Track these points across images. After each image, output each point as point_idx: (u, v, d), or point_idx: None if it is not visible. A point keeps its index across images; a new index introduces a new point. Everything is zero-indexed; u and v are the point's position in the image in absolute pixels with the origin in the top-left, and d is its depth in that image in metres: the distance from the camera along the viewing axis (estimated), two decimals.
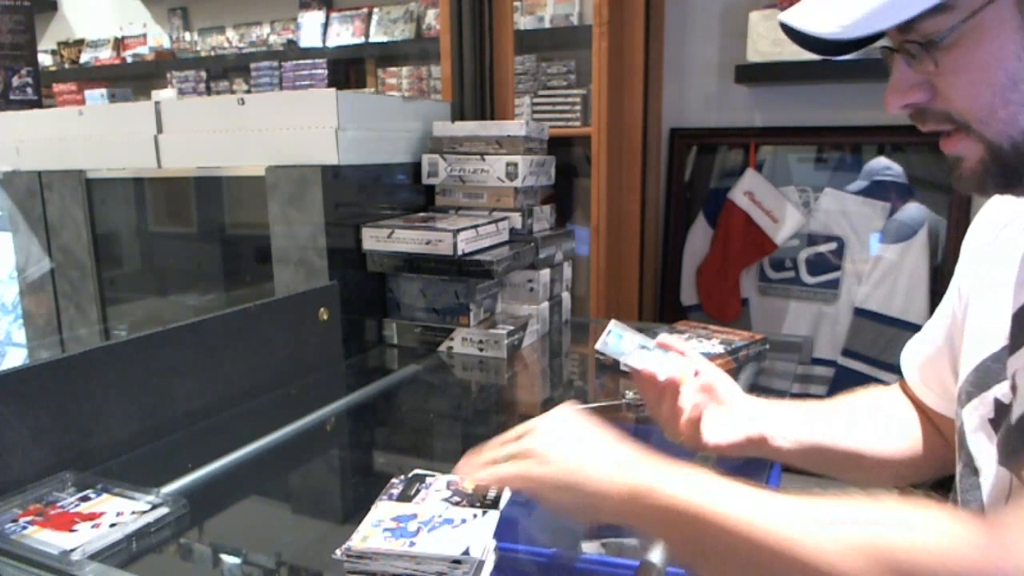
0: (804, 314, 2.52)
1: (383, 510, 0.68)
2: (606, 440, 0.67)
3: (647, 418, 0.86)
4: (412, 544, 0.62)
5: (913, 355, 0.89)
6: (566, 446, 0.66)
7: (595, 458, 0.64)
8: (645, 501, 0.59)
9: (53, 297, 1.65)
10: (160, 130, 1.45)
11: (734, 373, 1.20)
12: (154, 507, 0.76)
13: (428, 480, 0.74)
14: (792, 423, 0.82)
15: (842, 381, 2.49)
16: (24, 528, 0.71)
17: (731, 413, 0.81)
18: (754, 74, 2.42)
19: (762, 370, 1.27)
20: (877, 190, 2.41)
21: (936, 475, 0.83)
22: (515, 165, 1.44)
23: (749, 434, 0.80)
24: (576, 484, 0.63)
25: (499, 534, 0.66)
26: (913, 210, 2.38)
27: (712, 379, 0.82)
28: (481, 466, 0.70)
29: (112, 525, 0.72)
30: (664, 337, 0.86)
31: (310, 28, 3.46)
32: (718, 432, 0.79)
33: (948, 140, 0.61)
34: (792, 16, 0.60)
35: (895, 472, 0.85)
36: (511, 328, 1.36)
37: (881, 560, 0.49)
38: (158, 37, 3.95)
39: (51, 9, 4.20)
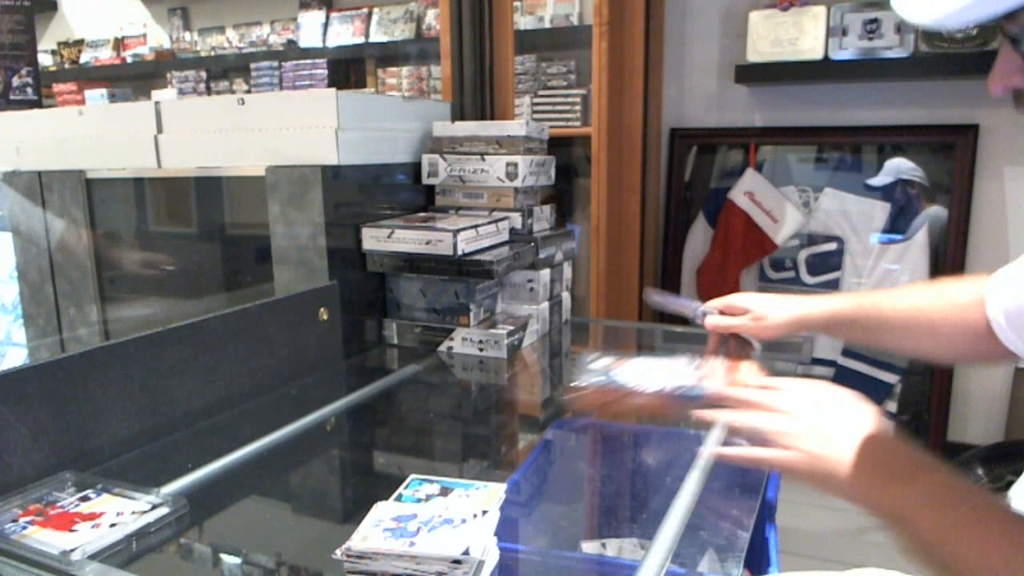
0: None
1: (383, 510, 0.68)
2: (860, 435, 0.67)
3: (650, 418, 0.89)
4: (412, 544, 0.62)
5: (1004, 292, 0.87)
6: (820, 440, 0.68)
7: (848, 466, 0.66)
8: (896, 529, 0.62)
9: (53, 297, 1.65)
10: (160, 130, 1.45)
11: None
12: (154, 507, 0.76)
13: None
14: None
15: (842, 381, 2.49)
16: (24, 528, 0.71)
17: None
18: (754, 74, 2.42)
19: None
20: (897, 189, 2.41)
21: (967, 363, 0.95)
22: (515, 165, 1.44)
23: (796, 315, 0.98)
24: (828, 488, 0.67)
25: (499, 534, 0.66)
26: (917, 209, 2.38)
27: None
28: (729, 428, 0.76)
29: (112, 525, 0.72)
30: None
31: (310, 28, 3.46)
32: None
33: None
34: (899, 2, 0.58)
35: (948, 344, 0.91)
36: (511, 328, 1.36)
37: None
38: (158, 37, 3.95)
39: (51, 9, 4.20)
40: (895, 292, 0.96)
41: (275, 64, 3.48)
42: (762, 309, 1.01)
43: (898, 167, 2.42)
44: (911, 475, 0.64)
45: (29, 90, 1.94)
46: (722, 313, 1.06)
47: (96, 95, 3.82)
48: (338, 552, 0.62)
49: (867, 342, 0.96)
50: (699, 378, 0.92)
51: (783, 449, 0.70)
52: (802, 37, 2.31)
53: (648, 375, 0.97)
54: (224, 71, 3.75)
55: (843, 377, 2.48)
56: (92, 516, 0.74)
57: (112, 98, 3.77)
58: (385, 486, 0.75)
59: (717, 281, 2.61)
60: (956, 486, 0.62)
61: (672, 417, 0.93)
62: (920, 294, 0.94)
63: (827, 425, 0.70)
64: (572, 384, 1.00)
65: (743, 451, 0.73)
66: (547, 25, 2.82)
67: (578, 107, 2.72)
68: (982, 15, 0.53)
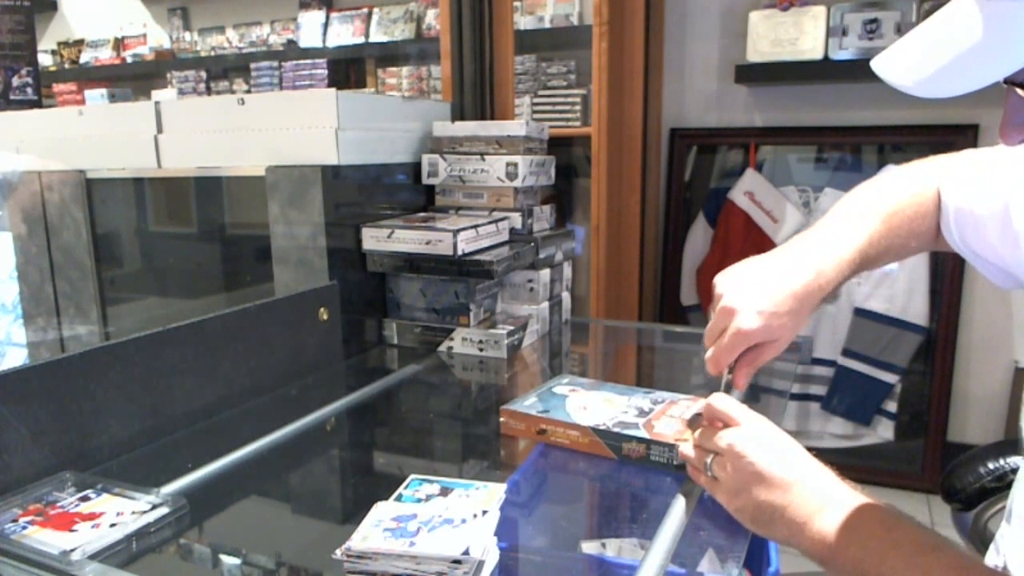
0: None
1: (383, 510, 0.68)
2: (801, 476, 0.70)
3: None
4: (412, 544, 0.62)
5: (957, 196, 0.87)
6: (760, 486, 0.70)
7: (785, 511, 0.68)
8: (826, 566, 0.66)
9: (53, 297, 1.65)
10: (160, 130, 1.45)
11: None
12: (154, 507, 0.76)
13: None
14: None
15: (842, 381, 2.49)
16: (24, 528, 0.71)
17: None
18: (754, 74, 2.42)
19: (761, 370, 1.26)
20: None
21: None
22: (515, 165, 1.44)
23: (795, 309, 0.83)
24: (766, 530, 0.70)
25: (499, 534, 0.66)
26: None
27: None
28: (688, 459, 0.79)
29: (112, 525, 0.72)
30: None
31: (310, 28, 3.46)
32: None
33: None
34: (887, 69, 0.55)
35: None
36: (511, 328, 1.36)
37: None
38: (158, 37, 3.95)
39: (51, 9, 4.20)
40: (878, 213, 0.90)
41: (275, 64, 3.48)
42: (776, 323, 0.84)
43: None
44: (841, 514, 0.66)
45: (29, 90, 1.94)
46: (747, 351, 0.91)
47: (96, 95, 3.82)
48: (338, 552, 0.62)
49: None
50: (645, 422, 0.90)
51: (726, 493, 0.73)
52: (802, 37, 2.31)
53: (596, 409, 0.94)
54: (224, 71, 3.75)
55: (843, 377, 2.48)
56: (92, 516, 0.74)
57: (112, 98, 3.78)
58: (385, 486, 0.75)
59: None
60: (895, 520, 0.65)
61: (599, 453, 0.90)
62: (896, 204, 0.91)
63: (762, 474, 0.71)
64: (505, 407, 0.96)
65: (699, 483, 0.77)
66: (547, 25, 2.82)
67: (578, 107, 2.72)
68: (989, 79, 0.49)
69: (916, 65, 0.53)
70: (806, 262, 0.84)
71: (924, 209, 0.90)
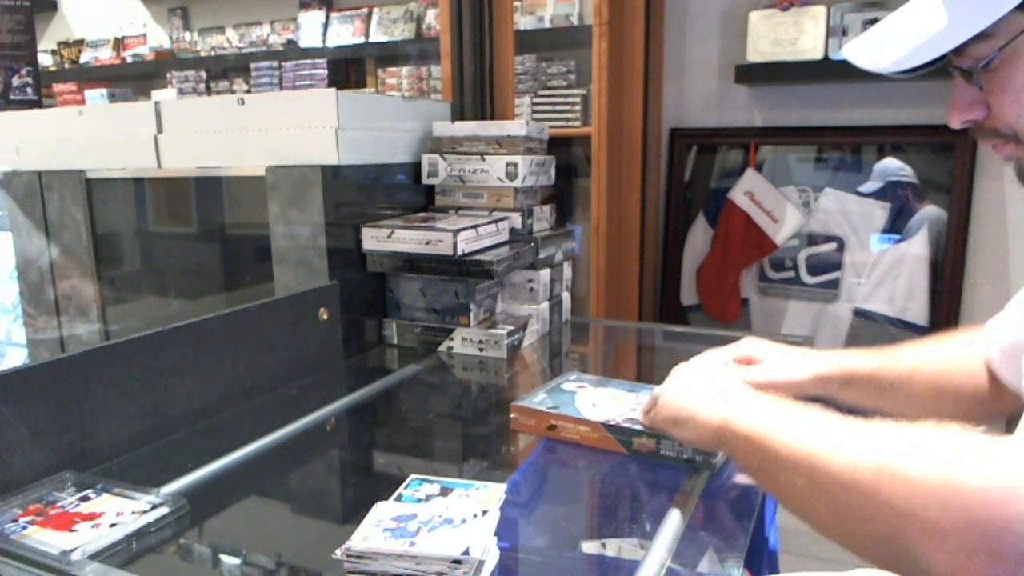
0: (804, 314, 2.52)
1: (383, 510, 0.68)
2: (713, 380, 0.80)
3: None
4: (412, 544, 0.62)
5: (995, 336, 0.91)
6: (682, 392, 0.81)
7: (700, 399, 0.77)
8: (728, 434, 0.71)
9: (53, 297, 1.65)
10: (160, 130, 1.45)
11: None
12: (154, 507, 0.76)
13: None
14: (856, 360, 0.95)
15: None
16: (24, 528, 0.71)
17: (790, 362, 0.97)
18: (754, 74, 2.42)
19: None
20: (890, 191, 2.41)
21: (992, 421, 0.90)
22: (515, 165, 1.44)
23: (817, 372, 0.93)
24: (686, 421, 0.78)
25: (499, 534, 0.66)
26: (913, 209, 2.39)
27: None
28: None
29: (112, 525, 0.72)
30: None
31: (310, 28, 3.46)
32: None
33: (1001, 147, 0.71)
34: (852, 51, 0.69)
35: (956, 401, 0.92)
36: (511, 328, 1.36)
37: (885, 471, 0.53)
38: (158, 37, 3.95)
39: (51, 9, 4.20)
40: (900, 349, 0.95)
41: (275, 64, 3.48)
42: (781, 366, 0.96)
43: (885, 169, 2.41)
44: (743, 395, 0.73)
45: (29, 90, 1.94)
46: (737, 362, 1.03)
47: (96, 95, 3.82)
48: (338, 552, 0.62)
49: (878, 404, 0.93)
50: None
51: (657, 409, 0.83)
52: (802, 37, 2.31)
53: (605, 405, 0.96)
54: (224, 71, 3.75)
55: None
56: (92, 516, 0.74)
57: (112, 98, 3.78)
58: (385, 486, 0.75)
59: (717, 281, 2.60)
60: (776, 399, 0.70)
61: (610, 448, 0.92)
62: (924, 350, 0.95)
63: (685, 384, 0.83)
64: (515, 403, 0.98)
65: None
66: (547, 25, 2.82)
67: (578, 107, 2.72)
68: (925, 58, 0.62)
69: (878, 49, 0.67)
70: (820, 358, 0.97)
71: (961, 362, 0.91)
